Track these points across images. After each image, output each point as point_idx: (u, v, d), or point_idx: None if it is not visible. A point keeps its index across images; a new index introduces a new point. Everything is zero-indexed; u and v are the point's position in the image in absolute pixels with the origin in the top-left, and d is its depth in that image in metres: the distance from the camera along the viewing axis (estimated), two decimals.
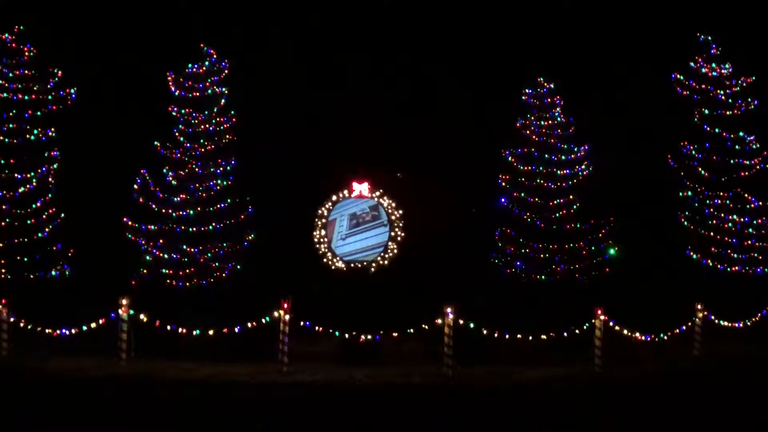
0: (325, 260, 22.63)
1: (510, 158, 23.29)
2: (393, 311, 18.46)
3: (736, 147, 23.43)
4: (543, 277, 22.24)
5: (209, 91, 22.56)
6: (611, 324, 16.47)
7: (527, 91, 23.62)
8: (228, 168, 22.39)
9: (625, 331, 17.10)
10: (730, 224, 22.73)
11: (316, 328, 17.86)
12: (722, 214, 22.90)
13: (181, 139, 22.30)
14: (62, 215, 21.86)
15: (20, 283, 20.64)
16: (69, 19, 28.47)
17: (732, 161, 23.35)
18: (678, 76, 24.21)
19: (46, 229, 21.55)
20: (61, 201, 22.11)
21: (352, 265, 20.89)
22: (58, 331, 16.25)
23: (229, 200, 22.19)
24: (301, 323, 17.27)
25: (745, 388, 13.69)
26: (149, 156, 22.26)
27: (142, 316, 15.57)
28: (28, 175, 21.57)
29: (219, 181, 22.23)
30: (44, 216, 21.59)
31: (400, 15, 34.07)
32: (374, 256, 21.83)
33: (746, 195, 23.04)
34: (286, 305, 15.00)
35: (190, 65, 22.59)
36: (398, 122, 24.14)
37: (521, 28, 32.55)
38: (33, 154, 21.90)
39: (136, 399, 12.11)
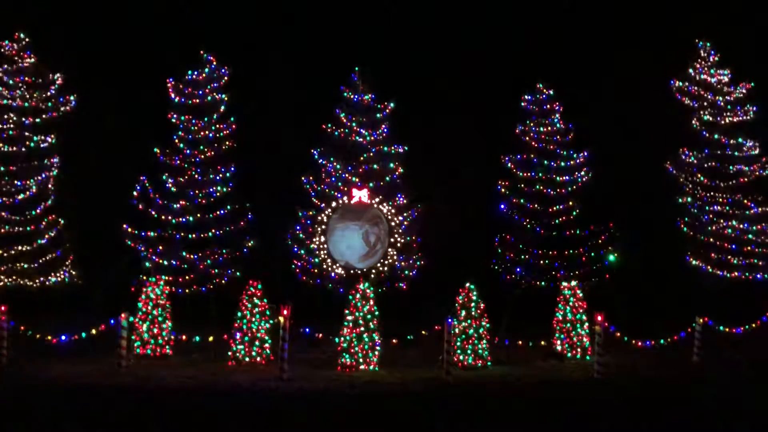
0: (324, 266, 22.56)
1: (509, 164, 23.30)
2: (393, 318, 18.49)
3: (735, 153, 23.46)
4: (542, 283, 22.22)
5: (209, 98, 22.59)
6: (611, 330, 16.50)
7: (527, 97, 23.65)
8: (228, 174, 22.39)
9: (626, 337, 17.14)
10: (729, 230, 22.73)
11: (317, 334, 17.89)
12: (721, 220, 22.91)
13: (181, 145, 22.30)
14: (62, 222, 21.86)
15: (20, 289, 20.65)
16: (69, 27, 28.57)
17: (731, 167, 23.40)
18: (677, 82, 24.29)
19: (46, 236, 21.54)
20: (60, 208, 22.11)
21: (352, 271, 20.79)
22: (57, 338, 16.25)
23: (228, 207, 22.19)
24: (301, 329, 17.32)
25: (745, 394, 13.68)
26: (149, 162, 22.26)
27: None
28: (28, 182, 21.59)
29: (218, 188, 22.21)
30: (44, 223, 21.59)
31: (400, 18, 34.28)
32: (373, 262, 21.75)
33: (745, 201, 23.06)
34: (285, 312, 14.97)
35: (189, 72, 22.62)
36: (398, 127, 24.12)
37: (521, 35, 32.74)
38: (33, 161, 21.93)
39: (137, 405, 12.09)
